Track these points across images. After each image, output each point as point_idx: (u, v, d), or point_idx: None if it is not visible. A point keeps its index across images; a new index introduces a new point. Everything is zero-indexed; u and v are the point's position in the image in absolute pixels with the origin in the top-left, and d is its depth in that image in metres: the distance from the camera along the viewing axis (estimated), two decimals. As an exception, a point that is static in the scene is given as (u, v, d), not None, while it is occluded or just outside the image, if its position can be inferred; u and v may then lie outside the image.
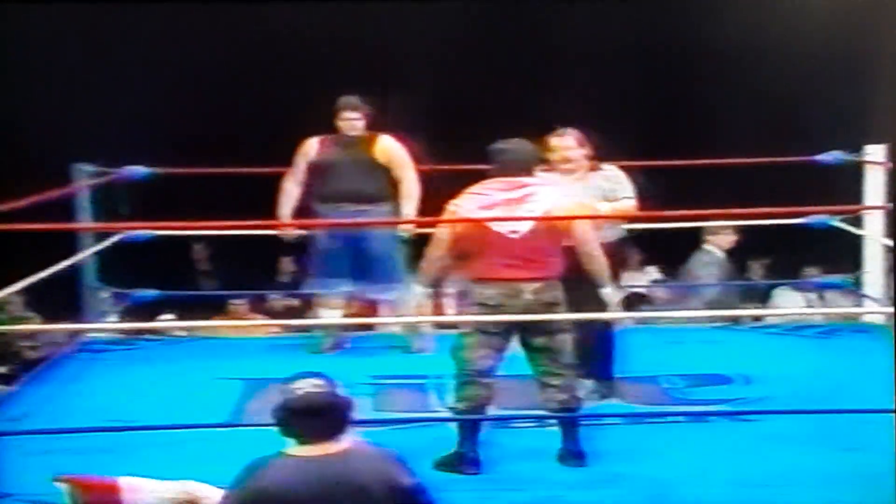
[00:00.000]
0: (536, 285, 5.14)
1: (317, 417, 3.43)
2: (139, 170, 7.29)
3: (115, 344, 7.25)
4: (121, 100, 9.37)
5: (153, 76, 9.61)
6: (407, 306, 6.47)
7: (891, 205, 6.83)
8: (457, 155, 6.58)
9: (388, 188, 6.79)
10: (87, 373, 6.74)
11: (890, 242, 6.75)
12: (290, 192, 6.86)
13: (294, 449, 3.45)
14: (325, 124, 6.90)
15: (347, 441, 3.46)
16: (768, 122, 9.55)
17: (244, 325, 8.35)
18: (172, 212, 6.30)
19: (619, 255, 5.99)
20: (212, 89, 9.71)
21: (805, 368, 6.49)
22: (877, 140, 7.29)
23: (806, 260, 9.23)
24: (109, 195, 7.25)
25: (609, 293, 5.35)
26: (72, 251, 7.01)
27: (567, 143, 5.94)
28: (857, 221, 7.34)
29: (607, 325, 5.98)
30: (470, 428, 5.19)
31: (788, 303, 9.22)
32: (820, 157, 7.38)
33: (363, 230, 6.73)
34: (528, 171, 5.27)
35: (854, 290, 7.64)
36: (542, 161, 5.53)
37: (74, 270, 7.11)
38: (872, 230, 7.26)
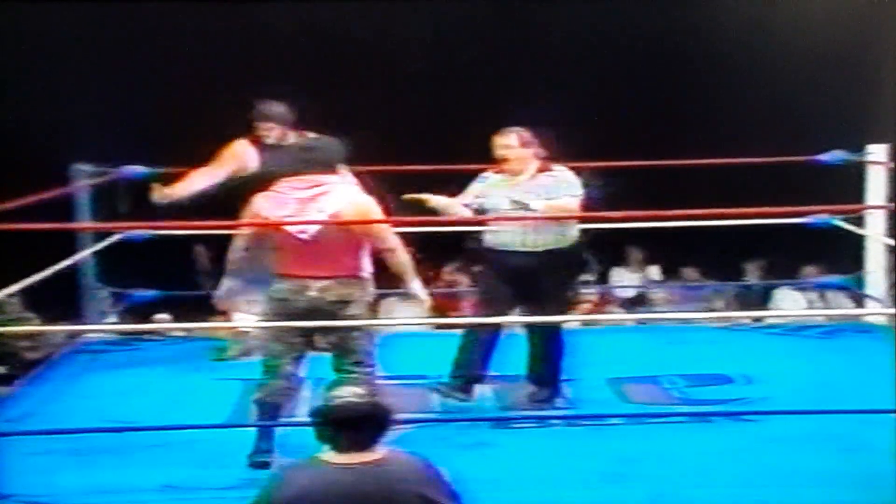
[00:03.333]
0: (323, 283, 5.12)
1: (354, 426, 3.42)
2: (139, 170, 7.28)
3: (115, 344, 7.25)
4: (120, 99, 9.37)
5: (153, 76, 9.61)
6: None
7: (892, 204, 6.83)
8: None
9: None
10: (86, 373, 6.73)
11: (892, 242, 6.73)
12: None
13: (328, 455, 3.43)
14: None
15: (383, 450, 3.45)
16: (770, 121, 9.54)
17: (244, 326, 8.32)
18: (172, 212, 6.29)
19: (572, 259, 5.97)
20: (212, 89, 9.71)
21: (806, 369, 6.49)
22: (879, 140, 7.29)
23: (807, 260, 9.23)
24: (109, 195, 7.25)
25: (417, 289, 5.33)
26: (71, 251, 7.01)
27: (509, 141, 5.92)
28: (858, 221, 7.33)
29: (552, 327, 5.94)
30: (264, 428, 5.16)
31: (790, 303, 9.23)
32: (822, 157, 7.37)
33: None
34: (329, 170, 5.20)
35: (855, 290, 7.63)
36: (347, 159, 5.38)
37: (74, 270, 7.11)
38: (874, 230, 7.25)
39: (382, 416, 3.47)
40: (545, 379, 5.98)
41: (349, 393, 3.48)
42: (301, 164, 5.22)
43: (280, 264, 5.22)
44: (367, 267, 5.22)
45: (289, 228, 5.12)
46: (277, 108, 6.57)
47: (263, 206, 5.21)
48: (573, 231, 5.98)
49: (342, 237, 5.14)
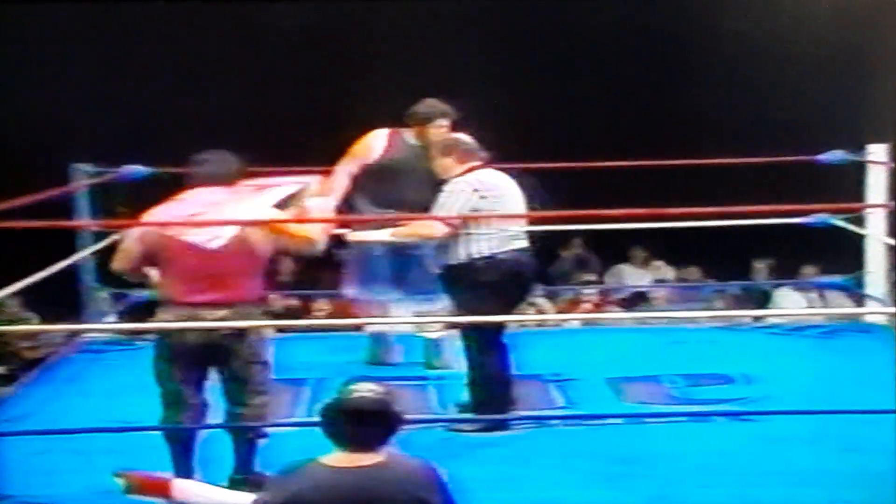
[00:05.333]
0: (220, 312, 4.80)
1: (361, 424, 3.41)
2: (138, 169, 7.27)
3: (115, 344, 7.24)
4: (120, 99, 9.38)
5: (153, 75, 9.61)
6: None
7: (893, 204, 6.82)
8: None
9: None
10: (86, 373, 6.73)
11: (892, 242, 6.73)
12: (342, 183, 6.33)
13: (328, 458, 3.42)
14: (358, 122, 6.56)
15: (385, 453, 3.43)
16: (770, 121, 9.55)
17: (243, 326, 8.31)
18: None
19: (517, 270, 5.71)
20: (212, 88, 9.71)
21: (806, 369, 6.49)
22: (879, 139, 7.29)
23: (807, 260, 9.23)
24: (108, 195, 7.24)
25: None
26: (71, 251, 7.00)
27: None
28: (858, 221, 7.33)
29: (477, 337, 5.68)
30: (181, 452, 4.94)
31: (790, 302, 9.23)
32: (822, 157, 7.37)
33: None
34: (225, 183, 4.96)
35: (855, 290, 7.63)
36: (243, 174, 5.09)
37: (73, 270, 7.11)
38: (874, 229, 7.25)
39: (394, 417, 3.47)
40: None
41: (366, 389, 3.46)
42: (202, 177, 4.97)
43: (169, 287, 4.87)
44: (263, 289, 4.95)
45: (194, 239, 4.79)
46: (441, 105, 6.28)
47: (162, 216, 4.89)
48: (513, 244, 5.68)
49: (249, 252, 4.84)
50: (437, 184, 5.79)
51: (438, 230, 5.63)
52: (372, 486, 3.36)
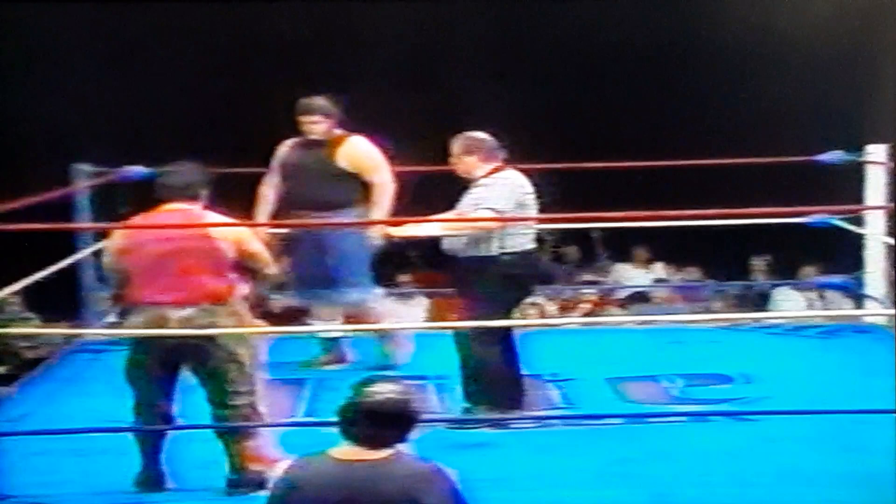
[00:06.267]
0: (184, 312, 4.83)
1: (377, 423, 3.42)
2: (139, 170, 7.27)
3: (115, 344, 7.23)
4: (121, 99, 9.38)
5: (153, 76, 9.61)
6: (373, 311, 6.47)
7: (892, 204, 6.83)
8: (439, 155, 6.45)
9: (353, 193, 6.44)
10: (86, 373, 6.73)
11: (891, 242, 6.74)
12: (266, 196, 6.58)
13: (337, 450, 3.44)
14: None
15: (393, 450, 3.44)
16: (770, 121, 9.54)
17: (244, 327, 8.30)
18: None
19: (534, 267, 5.89)
20: (212, 89, 9.71)
21: (806, 369, 6.49)
22: (878, 139, 7.29)
23: (807, 260, 9.23)
24: (109, 195, 7.24)
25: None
26: (71, 251, 7.01)
27: (453, 149, 5.85)
28: (858, 221, 7.33)
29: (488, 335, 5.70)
30: (150, 445, 4.99)
31: (789, 303, 9.22)
32: (821, 157, 7.37)
33: (326, 236, 6.41)
34: (191, 198, 4.99)
35: (855, 290, 7.63)
36: (208, 186, 5.10)
37: (74, 271, 7.11)
38: (874, 230, 7.25)
39: (411, 417, 3.49)
40: (475, 396, 5.79)
41: (386, 388, 3.48)
42: (166, 192, 5.00)
43: (135, 289, 4.91)
44: (237, 289, 4.96)
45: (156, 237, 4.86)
46: (323, 101, 6.48)
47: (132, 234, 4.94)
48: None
49: (212, 251, 4.87)
50: (333, 174, 6.27)
51: (493, 224, 5.68)
52: (368, 480, 3.38)
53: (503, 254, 5.71)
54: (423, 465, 3.46)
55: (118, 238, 5.04)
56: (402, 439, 3.47)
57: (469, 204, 5.75)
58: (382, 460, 3.42)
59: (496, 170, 5.78)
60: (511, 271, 5.71)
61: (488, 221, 5.67)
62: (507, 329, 5.78)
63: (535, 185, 5.83)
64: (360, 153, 6.49)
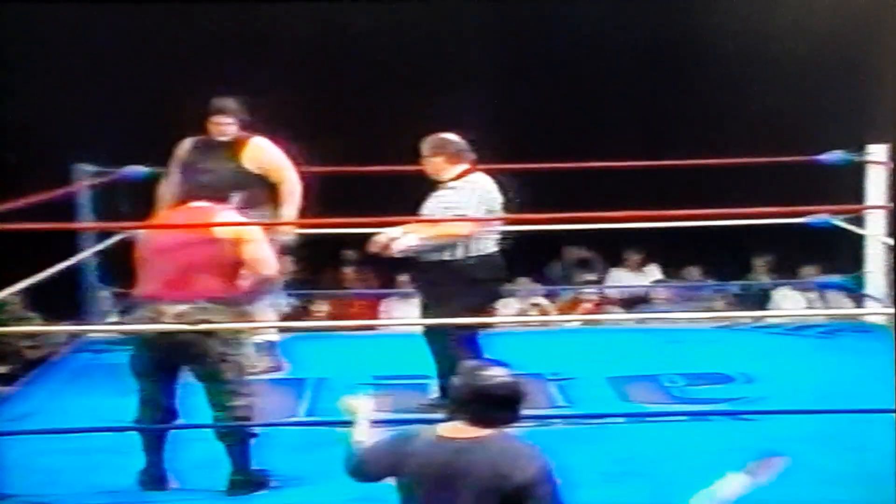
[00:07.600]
0: (182, 307, 4.85)
1: (492, 405, 3.54)
2: (139, 169, 7.28)
3: (116, 344, 7.24)
4: (122, 99, 9.38)
5: (154, 76, 9.61)
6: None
7: (892, 204, 6.83)
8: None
9: (261, 194, 6.37)
10: (87, 373, 6.73)
11: (891, 242, 6.74)
12: (165, 197, 6.41)
13: (442, 427, 3.57)
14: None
15: (497, 431, 3.53)
16: (770, 121, 9.55)
17: (243, 327, 8.31)
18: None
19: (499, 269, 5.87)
20: (213, 89, 9.70)
21: (806, 368, 6.50)
22: (879, 139, 7.30)
23: (807, 260, 9.24)
24: (110, 195, 7.25)
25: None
26: (73, 251, 7.01)
27: (423, 149, 5.86)
28: (858, 221, 7.34)
29: (454, 335, 5.69)
30: (153, 445, 5.01)
31: (789, 302, 9.22)
32: (822, 157, 7.38)
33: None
34: (220, 199, 5.10)
35: (855, 290, 7.64)
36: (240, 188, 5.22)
37: (75, 270, 7.12)
38: (874, 230, 7.26)
39: (515, 401, 3.60)
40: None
41: (499, 372, 3.60)
42: (195, 190, 5.10)
43: (139, 285, 4.97)
44: (235, 288, 4.98)
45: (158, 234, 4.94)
46: (231, 102, 6.50)
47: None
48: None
49: (212, 249, 4.91)
50: (241, 176, 6.15)
51: (468, 229, 5.69)
52: (462, 455, 3.48)
53: (468, 257, 5.74)
54: (520, 445, 3.56)
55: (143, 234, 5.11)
56: (511, 421, 3.58)
57: (438, 207, 5.75)
58: (483, 438, 3.52)
59: (465, 172, 5.79)
60: (476, 275, 5.73)
61: (488, 221, 5.69)
62: (473, 332, 5.75)
63: (527, 185, 5.84)
64: (265, 154, 6.47)
